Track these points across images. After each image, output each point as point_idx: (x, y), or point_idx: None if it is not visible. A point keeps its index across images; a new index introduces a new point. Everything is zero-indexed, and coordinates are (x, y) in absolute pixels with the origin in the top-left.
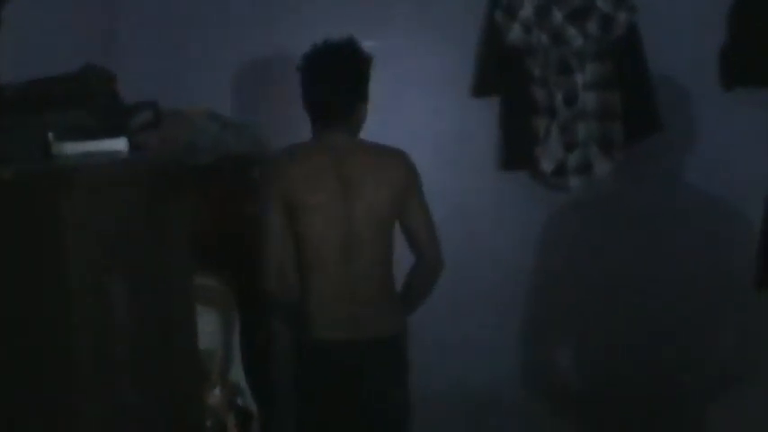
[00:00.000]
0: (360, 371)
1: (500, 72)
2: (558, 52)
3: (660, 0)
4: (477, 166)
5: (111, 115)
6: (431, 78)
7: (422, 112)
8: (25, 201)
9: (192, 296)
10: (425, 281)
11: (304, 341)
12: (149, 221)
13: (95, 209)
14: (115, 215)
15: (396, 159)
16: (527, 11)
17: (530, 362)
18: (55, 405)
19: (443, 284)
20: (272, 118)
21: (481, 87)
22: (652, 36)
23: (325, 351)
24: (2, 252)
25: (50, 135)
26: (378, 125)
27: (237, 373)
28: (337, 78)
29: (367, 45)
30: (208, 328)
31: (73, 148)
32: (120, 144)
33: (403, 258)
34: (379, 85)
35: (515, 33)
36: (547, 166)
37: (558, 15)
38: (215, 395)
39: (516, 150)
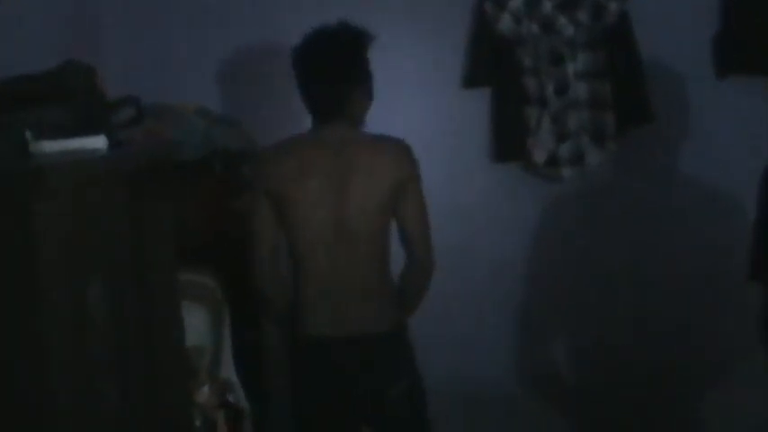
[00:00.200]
0: (354, 367)
1: (491, 63)
2: (549, 42)
3: None
4: (469, 159)
5: (91, 112)
6: (421, 70)
7: (412, 104)
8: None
9: (178, 293)
10: (416, 282)
11: (298, 337)
12: (130, 219)
13: (72, 207)
14: (93, 213)
15: (394, 151)
16: (516, 1)
17: (524, 357)
18: (31, 408)
19: (436, 279)
20: (264, 113)
21: (472, 79)
22: (644, 25)
23: (318, 347)
24: None
25: (28, 134)
26: (368, 118)
27: (229, 370)
28: (326, 67)
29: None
30: (197, 324)
31: (51, 146)
32: (99, 141)
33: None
34: None
35: (505, 24)
36: (539, 156)
37: (547, 5)
38: (203, 393)
39: (508, 141)
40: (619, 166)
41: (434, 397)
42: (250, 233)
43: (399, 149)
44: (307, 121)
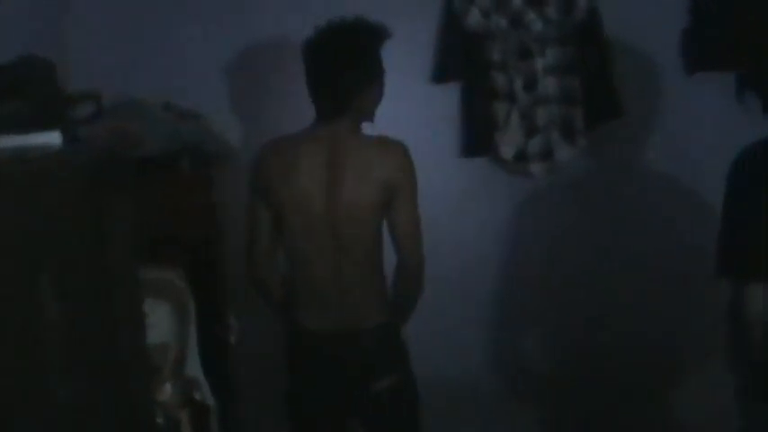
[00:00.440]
0: (347, 362)
1: (460, 58)
2: (518, 37)
3: None
4: (438, 154)
5: (47, 107)
6: (390, 65)
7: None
8: None
9: (140, 290)
10: (405, 285)
11: (292, 332)
12: (88, 214)
13: (22, 205)
14: (45, 209)
15: (390, 153)
16: None
17: (499, 351)
18: None
19: None
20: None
21: (441, 74)
22: (613, 20)
23: (312, 342)
24: None
25: None
26: None
27: (195, 368)
28: (344, 59)
29: None
30: (161, 321)
31: (3, 141)
32: (53, 137)
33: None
34: None
35: (474, 18)
36: (507, 152)
37: (516, 0)
38: (166, 391)
39: (477, 137)
40: (588, 161)
41: None
42: (246, 228)
43: (396, 152)
44: (306, 121)
